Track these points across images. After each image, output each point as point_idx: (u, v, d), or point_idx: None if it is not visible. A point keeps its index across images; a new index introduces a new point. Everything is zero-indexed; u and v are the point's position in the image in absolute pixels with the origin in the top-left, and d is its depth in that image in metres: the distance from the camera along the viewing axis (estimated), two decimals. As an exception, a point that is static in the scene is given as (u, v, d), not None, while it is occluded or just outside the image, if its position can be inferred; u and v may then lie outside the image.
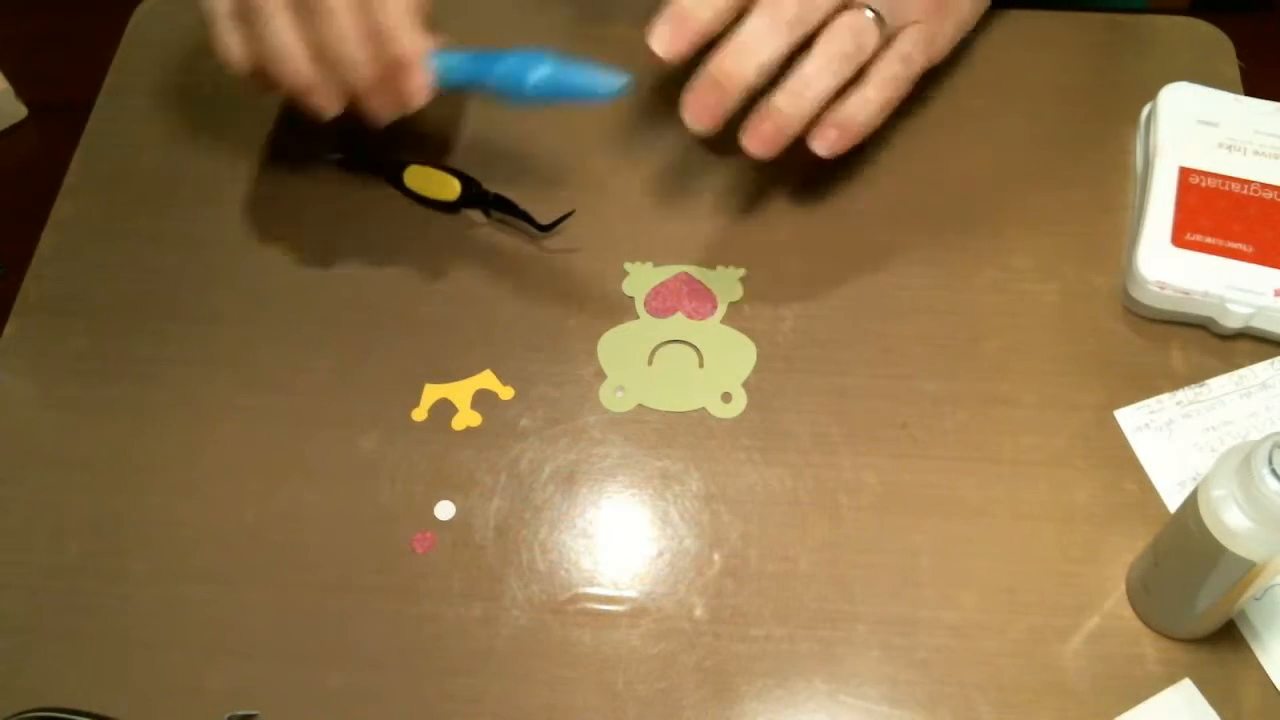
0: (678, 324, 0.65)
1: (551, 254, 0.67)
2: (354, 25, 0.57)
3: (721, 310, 0.65)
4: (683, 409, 0.62)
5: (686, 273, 0.66)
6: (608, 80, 0.58)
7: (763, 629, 0.57)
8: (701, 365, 0.64)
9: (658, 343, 0.64)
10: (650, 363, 0.64)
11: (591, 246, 0.67)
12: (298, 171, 0.70)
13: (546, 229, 0.65)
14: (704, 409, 0.62)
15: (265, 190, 0.70)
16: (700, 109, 0.60)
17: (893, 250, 0.67)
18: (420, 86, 0.59)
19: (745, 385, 0.63)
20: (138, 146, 0.70)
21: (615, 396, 0.63)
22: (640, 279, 0.66)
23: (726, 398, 0.63)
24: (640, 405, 0.63)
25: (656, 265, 0.67)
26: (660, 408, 0.62)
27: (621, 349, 0.64)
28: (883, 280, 0.66)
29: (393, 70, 0.59)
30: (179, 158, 0.71)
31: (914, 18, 0.62)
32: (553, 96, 0.59)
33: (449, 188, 0.67)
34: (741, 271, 0.66)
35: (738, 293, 0.66)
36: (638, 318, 0.65)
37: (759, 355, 0.64)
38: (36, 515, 0.60)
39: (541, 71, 0.58)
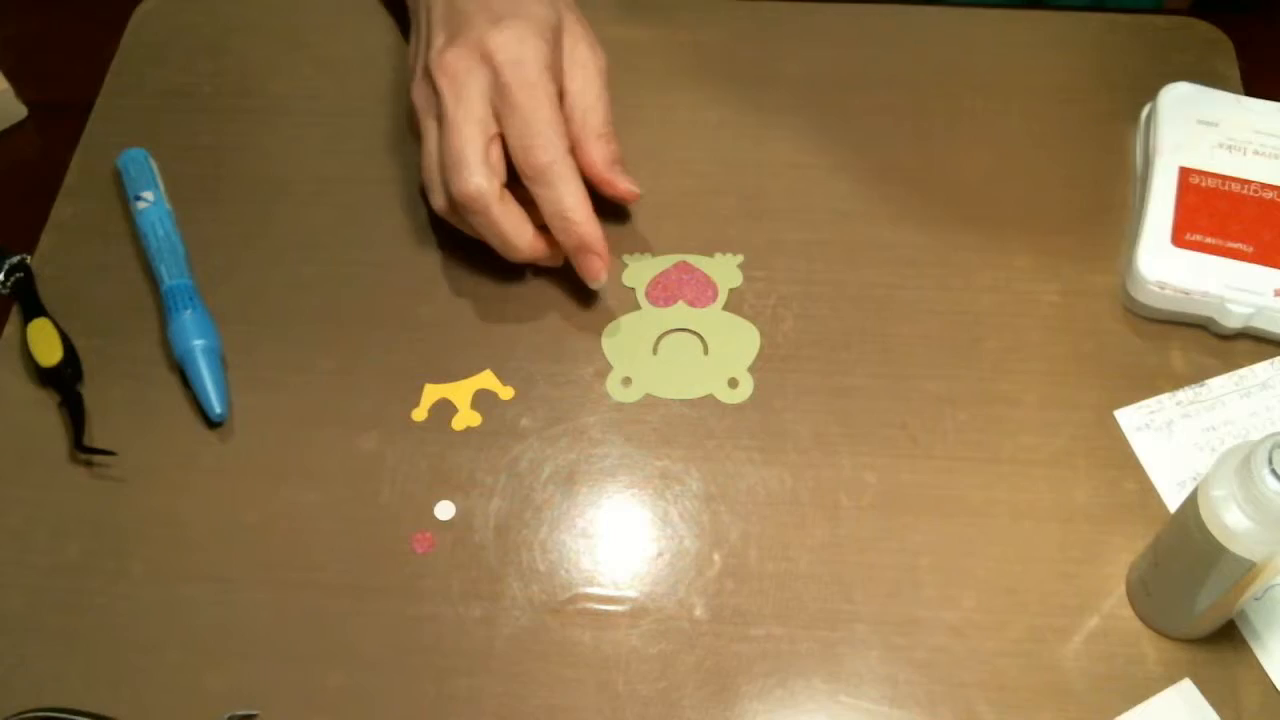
0: (680, 313, 0.65)
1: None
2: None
3: (723, 297, 0.65)
4: (690, 396, 0.63)
5: (685, 261, 0.66)
6: (215, 406, 0.62)
7: (763, 629, 0.57)
8: (706, 352, 0.64)
9: (661, 332, 0.65)
10: (655, 352, 0.64)
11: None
12: (297, 171, 0.71)
13: (85, 450, 0.61)
14: (712, 395, 0.62)
15: (265, 190, 0.70)
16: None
17: (893, 250, 0.67)
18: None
19: (751, 370, 0.63)
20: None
21: (622, 387, 0.63)
22: (639, 270, 0.66)
23: (733, 383, 0.63)
24: (648, 395, 0.63)
25: (655, 255, 0.67)
26: (668, 396, 0.63)
27: (625, 340, 0.64)
28: (883, 280, 0.66)
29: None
30: (178, 158, 0.71)
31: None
32: (186, 366, 0.63)
33: (53, 353, 0.63)
34: (740, 258, 0.66)
35: (737, 279, 0.66)
36: (639, 309, 0.65)
37: (762, 342, 0.64)
38: (36, 515, 0.60)
39: (190, 346, 0.62)
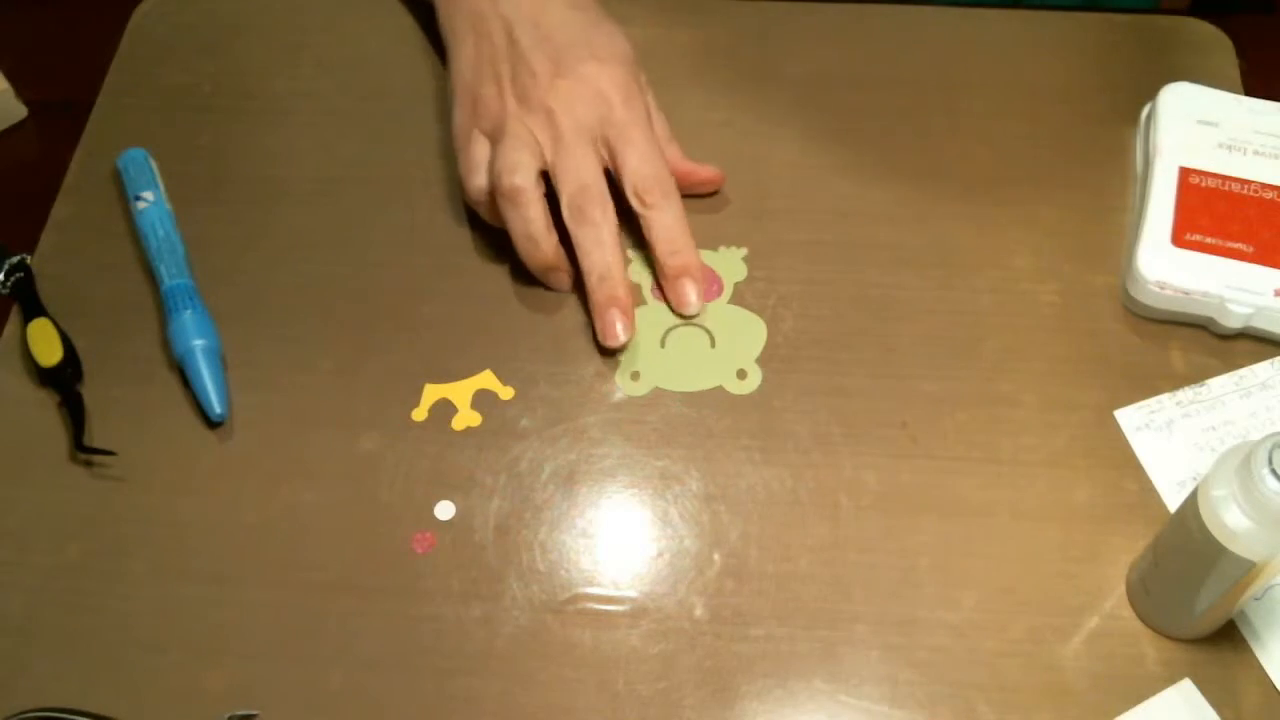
0: None
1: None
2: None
3: (728, 291, 0.65)
4: (699, 388, 0.63)
5: None
6: (214, 405, 0.62)
7: (763, 629, 0.57)
8: (713, 345, 0.64)
9: (668, 326, 0.65)
10: (663, 346, 0.64)
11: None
12: (297, 171, 0.71)
13: (85, 450, 0.61)
14: (721, 387, 0.63)
15: (265, 190, 0.70)
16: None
17: (893, 250, 0.67)
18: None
19: (759, 362, 0.63)
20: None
21: (632, 381, 0.63)
22: (645, 264, 0.66)
23: (742, 374, 0.63)
24: (657, 388, 0.63)
25: None
26: (677, 389, 0.63)
27: (633, 335, 0.64)
28: (883, 280, 0.66)
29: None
30: (178, 158, 0.71)
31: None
32: (186, 366, 0.63)
33: (53, 353, 0.63)
34: (744, 251, 0.67)
35: (742, 272, 0.66)
36: (645, 303, 0.65)
37: (768, 332, 0.64)
38: (36, 515, 0.60)
39: (190, 346, 0.63)
